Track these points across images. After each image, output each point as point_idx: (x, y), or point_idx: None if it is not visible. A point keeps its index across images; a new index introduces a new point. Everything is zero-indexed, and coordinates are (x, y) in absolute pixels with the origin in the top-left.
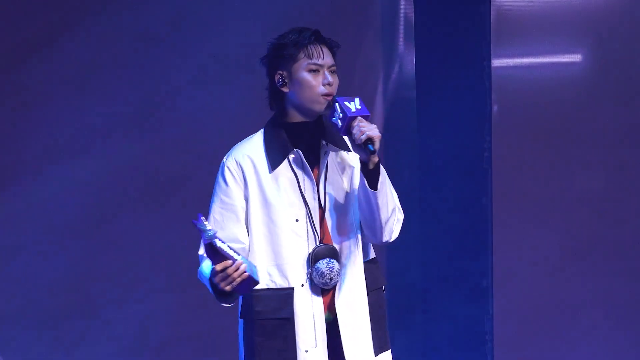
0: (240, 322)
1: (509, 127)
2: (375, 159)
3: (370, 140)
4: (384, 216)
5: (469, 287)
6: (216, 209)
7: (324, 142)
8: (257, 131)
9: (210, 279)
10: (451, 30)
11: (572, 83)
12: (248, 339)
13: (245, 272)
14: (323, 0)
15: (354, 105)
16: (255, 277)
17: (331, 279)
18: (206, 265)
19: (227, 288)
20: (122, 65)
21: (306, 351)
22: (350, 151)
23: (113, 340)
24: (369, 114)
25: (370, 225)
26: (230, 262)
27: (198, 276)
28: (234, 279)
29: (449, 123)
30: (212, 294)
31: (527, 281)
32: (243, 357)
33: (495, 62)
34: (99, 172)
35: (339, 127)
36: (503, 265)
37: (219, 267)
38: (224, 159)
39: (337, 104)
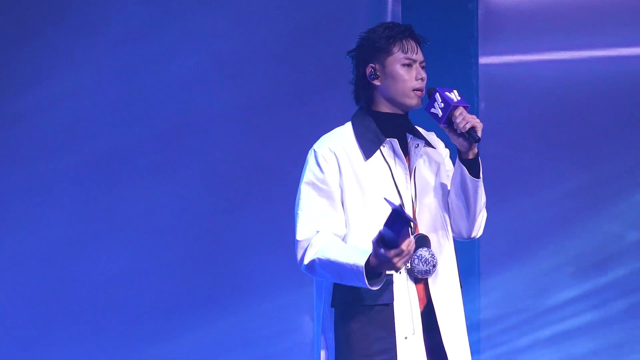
0: (330, 311)
1: (496, 125)
2: (476, 149)
3: (473, 129)
4: (479, 207)
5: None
6: (312, 196)
7: (411, 136)
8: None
9: (374, 260)
10: (439, 28)
11: (559, 80)
12: (343, 327)
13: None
14: (310, 0)
15: (454, 95)
16: None
17: (434, 266)
18: (346, 251)
19: (401, 265)
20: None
21: (405, 338)
22: (435, 148)
23: None
24: (469, 105)
25: (465, 217)
26: (411, 239)
27: (318, 267)
28: (410, 255)
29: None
30: (358, 277)
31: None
32: (333, 348)
33: (483, 60)
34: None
35: (440, 116)
36: (489, 267)
37: (404, 245)
38: (315, 148)
39: (437, 94)
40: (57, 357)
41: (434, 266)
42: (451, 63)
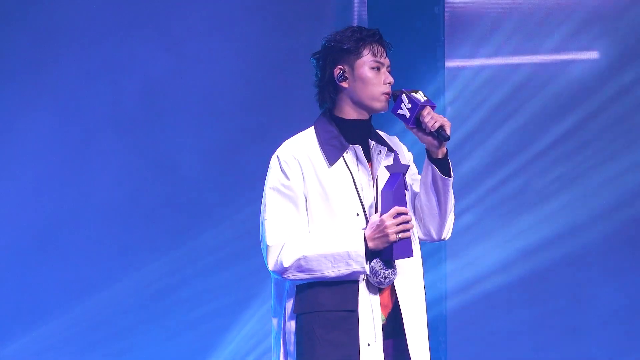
0: (292, 317)
1: (462, 127)
2: (445, 148)
3: (442, 127)
4: (450, 207)
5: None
6: (277, 201)
7: (373, 142)
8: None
9: (368, 232)
10: (405, 31)
11: (524, 83)
12: (306, 333)
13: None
14: (276, 1)
15: (421, 96)
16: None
17: (385, 277)
18: (333, 241)
19: (393, 237)
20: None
21: (368, 345)
22: (398, 152)
23: None
24: (435, 105)
25: (437, 217)
26: (407, 209)
27: (302, 266)
28: (406, 228)
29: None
30: (356, 260)
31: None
32: (294, 354)
33: (449, 63)
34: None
35: (407, 117)
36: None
37: (400, 209)
38: (278, 154)
39: (403, 95)
40: None
41: (386, 277)
42: (418, 66)
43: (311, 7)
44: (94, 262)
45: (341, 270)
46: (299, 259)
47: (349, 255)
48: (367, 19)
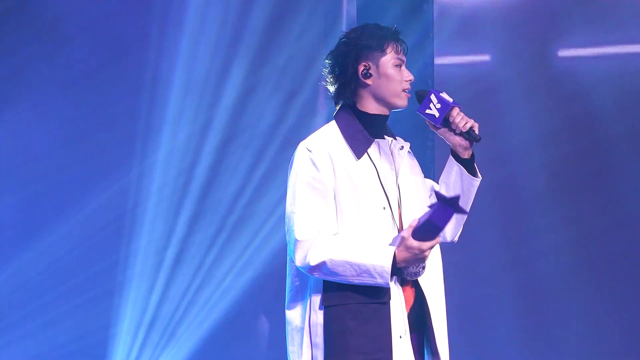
0: (319, 310)
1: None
2: (470, 149)
3: (472, 128)
4: (468, 208)
5: None
6: (307, 195)
7: (390, 138)
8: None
9: (402, 254)
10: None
11: (513, 80)
12: (337, 325)
13: None
14: (266, 1)
15: (447, 96)
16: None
17: (423, 268)
18: (362, 251)
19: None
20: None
21: (400, 337)
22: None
23: None
24: (461, 106)
25: (456, 219)
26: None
27: (328, 267)
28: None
29: (392, 121)
30: (381, 275)
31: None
32: (322, 347)
33: (438, 60)
34: None
35: (437, 117)
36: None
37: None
38: (308, 147)
39: (432, 95)
40: None
41: (424, 268)
42: (407, 63)
43: (299, 5)
44: None
45: (365, 280)
46: (325, 261)
47: (375, 269)
48: (356, 16)
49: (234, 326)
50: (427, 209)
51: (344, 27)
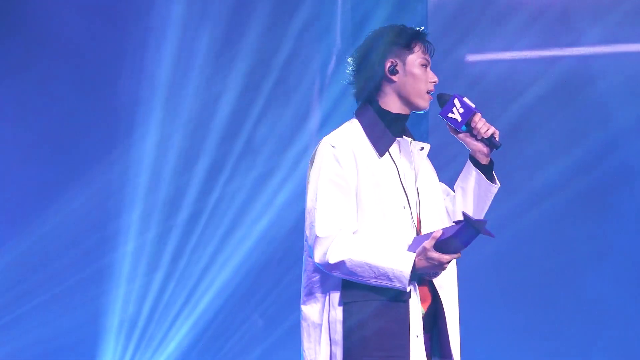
0: (338, 307)
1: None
2: (489, 156)
3: (493, 134)
4: (484, 214)
5: None
6: (329, 191)
7: (409, 138)
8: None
9: (422, 262)
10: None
11: (507, 79)
12: (357, 322)
13: None
14: (262, 1)
15: (470, 102)
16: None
17: (435, 273)
18: (383, 254)
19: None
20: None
21: (417, 336)
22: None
23: None
24: (481, 112)
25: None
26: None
27: (347, 267)
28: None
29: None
30: (399, 280)
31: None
32: (341, 343)
33: (432, 58)
34: None
35: (459, 122)
36: None
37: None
38: (330, 144)
39: (455, 99)
40: None
41: (435, 273)
42: None
43: (294, 4)
44: None
45: (382, 282)
46: (344, 260)
47: (393, 273)
48: (350, 14)
49: (226, 325)
50: (453, 224)
51: (338, 27)
